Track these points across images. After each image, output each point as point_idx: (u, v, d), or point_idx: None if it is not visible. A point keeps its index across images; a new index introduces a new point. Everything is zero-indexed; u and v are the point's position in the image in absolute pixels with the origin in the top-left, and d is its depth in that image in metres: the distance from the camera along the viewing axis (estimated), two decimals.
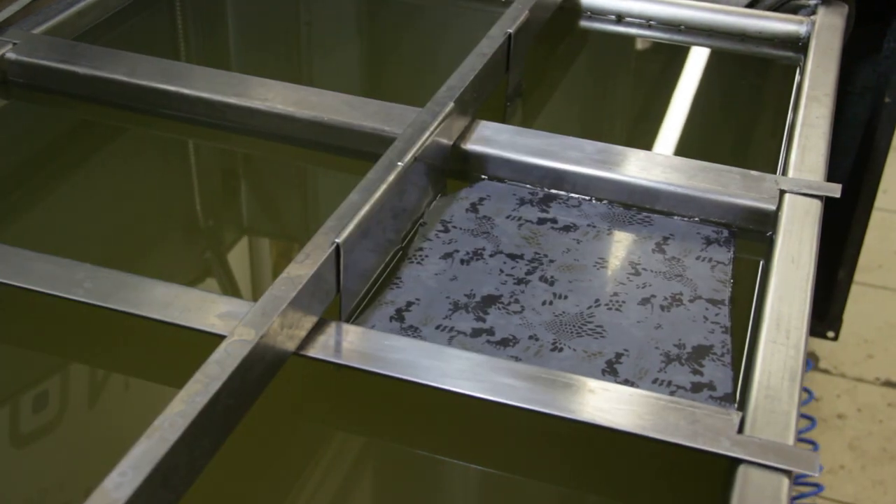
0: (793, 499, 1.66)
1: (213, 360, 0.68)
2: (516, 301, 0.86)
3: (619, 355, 0.80)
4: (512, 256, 0.91)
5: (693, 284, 0.89)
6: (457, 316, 0.84)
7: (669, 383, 0.78)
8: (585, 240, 0.94)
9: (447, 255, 0.91)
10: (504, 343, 0.81)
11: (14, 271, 0.81)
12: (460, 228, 0.94)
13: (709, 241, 0.94)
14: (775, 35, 1.31)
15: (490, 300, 0.86)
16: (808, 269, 0.86)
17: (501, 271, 0.89)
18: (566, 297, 0.87)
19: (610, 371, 0.79)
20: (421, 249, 0.91)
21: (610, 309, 0.85)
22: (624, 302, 0.86)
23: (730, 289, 0.88)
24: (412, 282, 0.87)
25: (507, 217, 0.96)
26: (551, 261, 0.91)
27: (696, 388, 0.78)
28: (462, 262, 0.90)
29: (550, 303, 0.86)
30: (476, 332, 0.82)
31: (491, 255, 0.91)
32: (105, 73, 1.09)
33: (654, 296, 0.87)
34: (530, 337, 0.82)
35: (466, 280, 0.88)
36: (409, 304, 0.85)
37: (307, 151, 1.06)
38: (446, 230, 0.94)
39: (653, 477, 0.75)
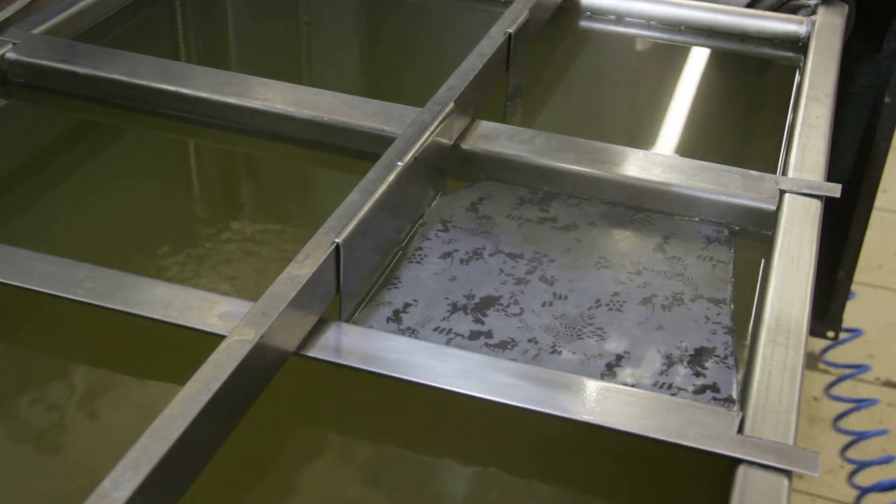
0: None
1: (213, 360, 0.68)
2: (516, 302, 0.86)
3: (619, 358, 0.80)
4: (512, 256, 0.91)
5: (694, 284, 0.89)
6: (455, 317, 0.84)
7: (671, 386, 0.78)
8: (586, 239, 0.94)
9: (446, 255, 0.91)
10: (502, 346, 0.81)
11: (14, 271, 0.81)
12: (460, 228, 0.94)
13: (709, 241, 0.94)
14: (775, 35, 1.31)
15: (489, 301, 0.86)
16: (808, 269, 0.86)
17: (501, 271, 0.89)
18: (566, 298, 0.86)
19: (609, 374, 0.79)
20: (420, 249, 0.91)
21: (611, 309, 0.85)
22: (625, 302, 0.86)
23: (731, 288, 0.88)
24: (411, 282, 0.87)
25: (507, 216, 0.96)
26: (551, 260, 0.91)
27: (699, 390, 0.77)
28: (461, 261, 0.90)
29: (550, 304, 0.86)
30: (474, 335, 0.82)
31: (491, 255, 0.91)
32: (105, 73, 1.09)
33: (655, 295, 0.87)
34: (529, 340, 0.82)
35: (465, 280, 0.88)
36: (407, 305, 0.84)
37: (307, 151, 1.06)
38: (446, 230, 0.94)
39: (653, 477, 0.75)
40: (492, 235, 0.93)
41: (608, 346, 0.81)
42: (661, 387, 0.77)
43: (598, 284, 0.88)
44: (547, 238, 0.94)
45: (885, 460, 1.79)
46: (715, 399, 0.76)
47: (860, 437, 1.78)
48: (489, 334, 0.82)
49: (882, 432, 1.79)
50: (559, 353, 0.80)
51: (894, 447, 1.88)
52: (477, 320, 0.83)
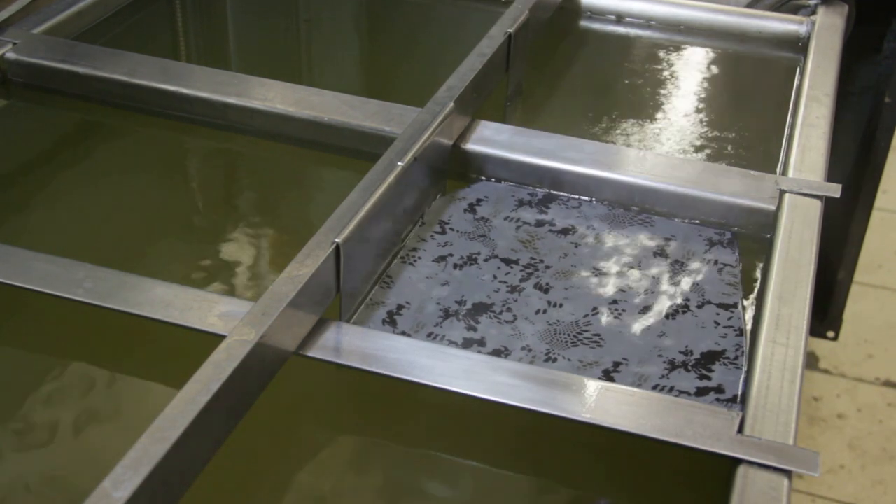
0: None
1: (213, 360, 0.68)
2: (509, 310, 0.85)
3: (616, 364, 0.79)
4: (507, 261, 0.90)
5: (700, 289, 0.87)
6: (447, 324, 0.83)
7: (672, 388, 0.77)
8: (584, 243, 0.93)
9: (441, 259, 0.90)
10: (496, 354, 0.80)
11: (14, 271, 0.81)
12: (457, 230, 0.94)
13: (712, 243, 0.93)
14: (775, 35, 1.31)
15: (481, 308, 0.85)
16: (808, 269, 0.85)
17: (495, 277, 0.88)
18: (561, 306, 0.85)
19: (607, 381, 0.78)
20: (415, 250, 0.91)
21: (608, 317, 0.84)
22: (624, 310, 0.85)
23: (741, 291, 0.87)
24: (403, 283, 0.87)
25: (505, 219, 0.96)
26: (547, 266, 0.90)
27: (701, 391, 0.77)
28: (455, 266, 0.89)
29: (544, 311, 0.85)
30: (467, 343, 0.81)
31: (486, 260, 0.90)
32: (105, 73, 1.09)
33: (657, 303, 0.86)
34: (523, 348, 0.81)
35: (458, 285, 0.87)
36: (400, 307, 0.84)
37: (307, 151, 1.06)
38: (443, 231, 0.94)
39: (653, 477, 0.75)
40: (488, 239, 0.93)
41: (605, 353, 0.81)
42: (661, 389, 0.77)
43: (596, 292, 0.87)
44: (544, 242, 0.93)
45: None
46: (718, 400, 0.76)
47: None
48: (482, 342, 0.81)
49: None
50: (554, 360, 0.80)
51: (894, 447, 1.88)
52: (469, 327, 0.83)
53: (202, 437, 0.65)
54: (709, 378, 0.78)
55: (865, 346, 2.08)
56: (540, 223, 0.95)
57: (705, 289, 0.87)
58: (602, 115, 1.19)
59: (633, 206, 0.98)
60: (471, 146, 1.01)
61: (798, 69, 1.24)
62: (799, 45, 1.29)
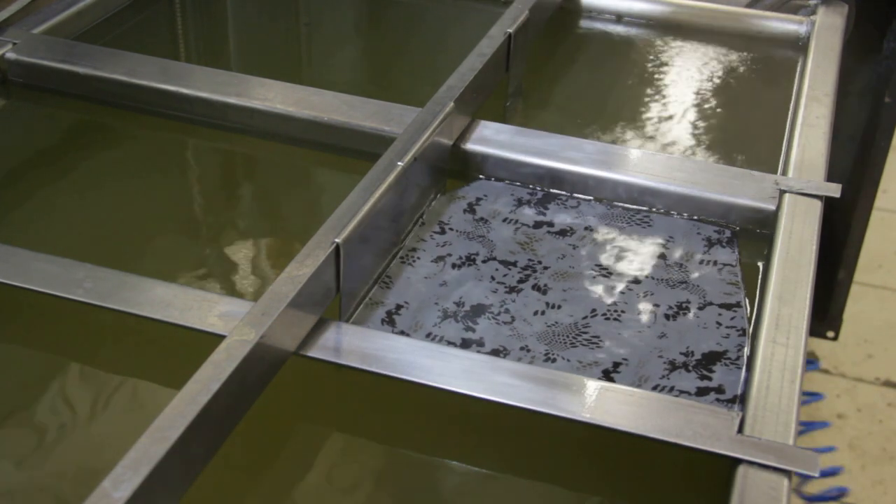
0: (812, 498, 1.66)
1: (212, 360, 0.68)
2: (507, 311, 0.85)
3: (616, 364, 0.79)
4: (505, 263, 0.90)
5: (701, 290, 0.87)
6: (446, 324, 0.83)
7: (672, 388, 0.77)
8: (582, 245, 0.93)
9: (439, 259, 0.90)
10: (494, 354, 0.80)
11: (14, 271, 0.81)
12: (456, 231, 0.94)
13: (711, 243, 0.93)
14: (775, 35, 1.31)
15: (480, 309, 0.85)
16: (808, 269, 0.85)
17: (493, 279, 0.88)
18: (560, 307, 0.85)
19: (607, 381, 0.78)
20: (414, 250, 0.91)
21: (608, 319, 0.84)
22: (623, 311, 0.85)
23: (743, 290, 0.87)
24: (402, 283, 0.87)
25: (504, 220, 0.95)
26: (545, 268, 0.90)
27: (702, 391, 0.77)
28: (454, 266, 0.89)
29: (543, 312, 0.85)
30: (465, 343, 0.81)
31: (484, 261, 0.90)
32: (105, 73, 1.09)
33: (657, 304, 0.86)
34: (521, 348, 0.81)
35: (456, 286, 0.87)
36: (399, 307, 0.84)
37: (307, 151, 1.06)
38: (442, 231, 0.93)
39: (652, 477, 0.75)
40: (486, 240, 0.93)
41: (605, 354, 0.80)
42: (661, 389, 0.77)
43: (595, 293, 0.87)
44: (542, 244, 0.93)
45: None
46: (718, 400, 0.76)
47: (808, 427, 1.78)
48: (480, 342, 0.81)
49: (824, 424, 1.79)
50: (553, 360, 0.80)
51: (894, 447, 1.88)
52: (468, 328, 0.83)
53: (202, 437, 0.65)
54: (710, 378, 0.78)
55: (865, 346, 2.08)
56: (539, 224, 0.95)
57: (706, 289, 0.87)
58: (602, 114, 1.19)
59: (633, 206, 0.98)
60: (471, 146, 1.01)
61: (798, 69, 1.24)
62: (799, 45, 1.29)
